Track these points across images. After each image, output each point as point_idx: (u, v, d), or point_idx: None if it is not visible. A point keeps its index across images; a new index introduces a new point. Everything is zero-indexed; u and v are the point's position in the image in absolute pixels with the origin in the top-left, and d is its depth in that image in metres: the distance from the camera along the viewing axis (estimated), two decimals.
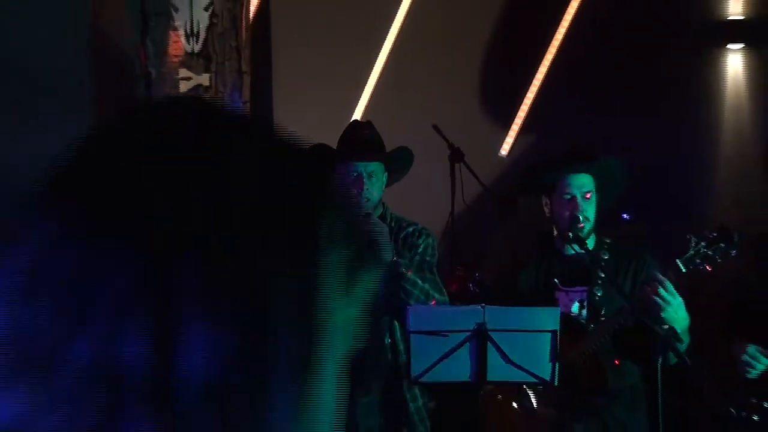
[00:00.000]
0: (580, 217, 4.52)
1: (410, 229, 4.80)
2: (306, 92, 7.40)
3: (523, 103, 7.16)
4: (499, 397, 4.57)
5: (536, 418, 4.50)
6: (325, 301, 0.90)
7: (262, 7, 7.58)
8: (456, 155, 5.98)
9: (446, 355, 4.13)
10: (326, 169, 1.01)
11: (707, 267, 4.24)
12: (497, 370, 4.13)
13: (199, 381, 0.85)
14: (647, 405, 4.51)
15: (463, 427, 5.13)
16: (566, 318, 4.34)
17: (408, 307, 4.37)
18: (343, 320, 0.91)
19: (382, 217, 4.70)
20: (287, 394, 0.88)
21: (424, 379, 4.20)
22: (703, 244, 4.24)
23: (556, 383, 4.17)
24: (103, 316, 0.85)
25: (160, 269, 0.85)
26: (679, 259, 4.27)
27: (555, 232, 4.65)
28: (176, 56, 7.40)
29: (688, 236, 4.29)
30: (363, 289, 0.93)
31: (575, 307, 4.51)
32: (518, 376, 4.16)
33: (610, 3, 6.92)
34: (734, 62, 6.92)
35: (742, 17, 6.88)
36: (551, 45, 7.10)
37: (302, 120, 7.26)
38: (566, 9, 7.07)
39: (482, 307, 4.17)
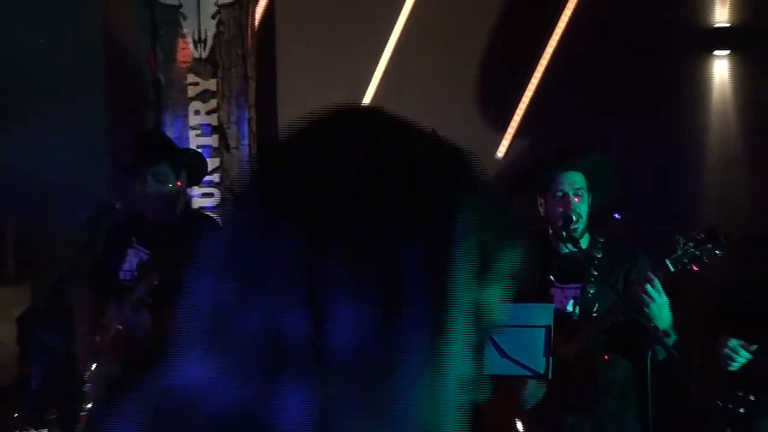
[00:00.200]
0: (573, 216, 4.54)
1: None
2: (309, 97, 7.41)
3: (518, 107, 7.18)
4: (497, 392, 4.58)
5: (530, 413, 4.51)
6: (458, 283, 1.00)
7: (267, 16, 7.59)
8: None
9: None
10: (469, 160, 1.10)
11: (694, 267, 4.26)
12: (493, 365, 4.14)
13: (345, 350, 0.97)
14: (637, 399, 4.52)
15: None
16: (560, 314, 4.36)
17: None
18: (474, 301, 0.99)
19: None
20: (416, 367, 0.99)
21: None
22: (691, 244, 4.26)
23: (549, 377, 4.18)
24: (271, 293, 1.00)
25: (314, 257, 0.99)
26: (667, 258, 4.29)
27: (550, 231, 4.67)
28: (184, 62, 7.42)
29: (676, 237, 4.30)
30: (499, 272, 1.02)
31: (570, 304, 4.53)
32: (514, 370, 4.17)
33: (602, 13, 6.93)
34: (720, 68, 6.93)
35: (728, 24, 6.90)
36: (545, 51, 7.11)
37: None
38: (560, 17, 7.09)
39: None
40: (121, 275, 4.97)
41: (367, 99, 7.37)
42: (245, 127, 7.37)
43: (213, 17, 7.40)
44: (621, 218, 4.57)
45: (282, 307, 0.99)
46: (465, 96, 7.21)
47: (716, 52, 6.92)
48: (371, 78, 7.38)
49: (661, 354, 4.35)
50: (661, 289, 4.26)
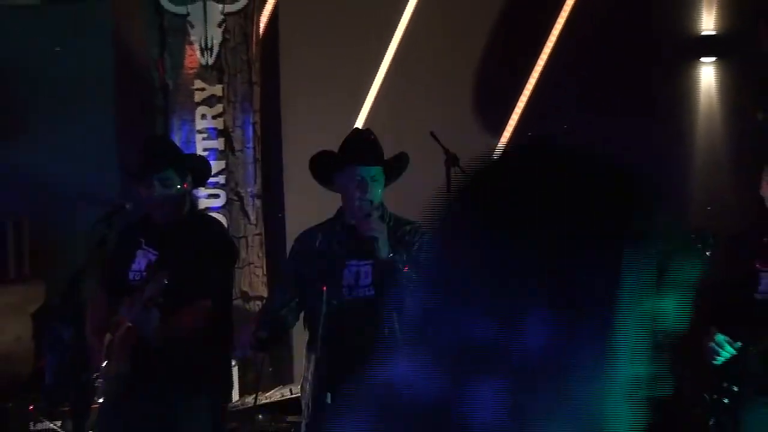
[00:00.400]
0: None
1: (407, 227, 4.80)
2: (311, 102, 7.41)
3: (514, 112, 7.18)
4: None
5: None
6: (636, 292, 1.08)
7: (271, 24, 7.59)
8: (451, 160, 5.96)
9: None
10: (644, 180, 1.20)
11: None
12: None
13: (532, 353, 1.05)
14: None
15: None
16: None
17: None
18: (651, 309, 1.05)
19: (381, 217, 4.72)
20: (596, 369, 1.07)
21: None
22: None
23: None
24: (468, 301, 1.08)
25: (508, 269, 1.06)
26: None
27: None
28: (192, 69, 7.41)
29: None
30: (674, 282, 1.13)
31: None
32: None
33: (595, 21, 6.93)
34: (707, 74, 6.93)
35: (713, 33, 6.90)
36: (539, 59, 7.12)
37: (308, 127, 7.27)
38: (554, 26, 7.09)
39: None
40: (131, 275, 4.97)
41: (368, 103, 7.37)
42: (250, 130, 7.36)
43: (219, 25, 7.39)
44: None
45: (477, 313, 1.07)
46: (463, 99, 7.21)
47: (703, 59, 6.92)
48: (372, 83, 7.38)
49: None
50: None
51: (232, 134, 7.36)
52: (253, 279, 7.32)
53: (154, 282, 4.71)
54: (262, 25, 7.50)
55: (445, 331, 1.10)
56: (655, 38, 6.85)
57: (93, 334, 4.95)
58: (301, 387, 4.92)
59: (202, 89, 7.40)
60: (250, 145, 7.35)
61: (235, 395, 6.76)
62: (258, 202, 7.37)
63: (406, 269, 4.56)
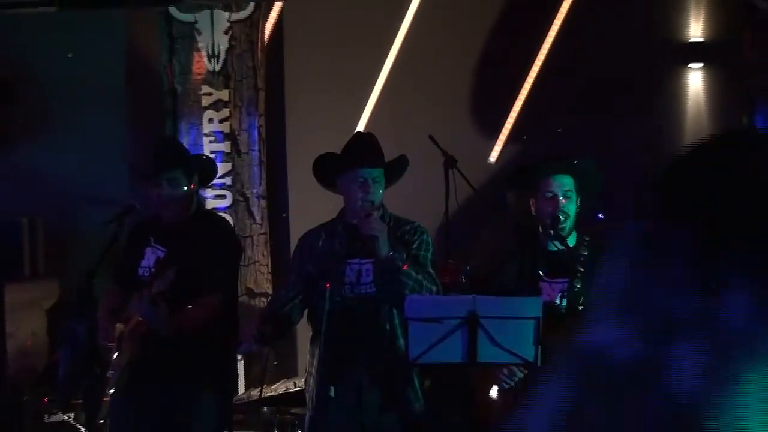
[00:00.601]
0: (561, 216, 4.53)
1: (407, 227, 4.80)
2: (314, 106, 7.40)
3: (509, 116, 7.16)
4: (487, 377, 4.56)
5: (518, 396, 4.49)
6: None
7: (276, 31, 7.58)
8: (449, 162, 5.96)
9: (441, 339, 4.12)
10: None
11: None
12: (487, 353, 4.12)
13: (731, 327, 1.11)
14: None
15: (454, 404, 5.12)
16: (548, 307, 4.34)
17: (406, 296, 4.36)
18: None
19: (382, 217, 4.71)
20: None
21: (421, 360, 4.19)
22: None
23: (539, 364, 4.17)
24: (670, 276, 1.15)
25: (710, 249, 1.13)
26: None
27: (540, 229, 4.65)
28: (199, 74, 7.41)
29: None
30: None
31: (558, 297, 4.51)
32: (505, 357, 4.16)
33: (587, 29, 6.93)
34: (695, 80, 6.92)
35: (702, 39, 6.89)
36: (534, 65, 7.11)
37: (311, 130, 7.26)
38: (547, 33, 7.08)
39: (473, 297, 4.17)
40: (140, 271, 4.97)
41: (369, 108, 7.36)
42: (255, 133, 7.36)
43: (226, 33, 7.39)
44: (604, 219, 4.55)
45: (678, 288, 1.13)
46: (461, 105, 7.20)
47: (691, 65, 6.91)
48: (373, 88, 7.37)
49: None
50: None
51: (238, 137, 7.35)
52: (258, 276, 7.31)
53: (162, 278, 4.71)
54: (267, 33, 7.49)
55: (648, 302, 1.17)
56: (645, 45, 6.84)
57: (105, 328, 4.94)
58: (305, 380, 4.91)
59: (210, 94, 7.40)
60: (256, 147, 7.34)
61: (241, 388, 6.75)
62: (263, 203, 7.37)
63: (405, 267, 4.56)
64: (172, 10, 7.38)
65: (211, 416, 4.92)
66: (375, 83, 7.37)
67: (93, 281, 4.65)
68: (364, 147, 4.77)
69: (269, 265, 7.34)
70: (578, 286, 4.47)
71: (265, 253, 7.34)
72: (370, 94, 7.37)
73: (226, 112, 7.37)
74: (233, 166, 7.35)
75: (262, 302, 7.14)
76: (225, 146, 7.35)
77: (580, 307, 4.43)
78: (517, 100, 7.14)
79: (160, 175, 4.93)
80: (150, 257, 4.98)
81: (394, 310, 4.61)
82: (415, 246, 4.73)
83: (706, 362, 1.12)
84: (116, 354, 4.92)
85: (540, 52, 7.09)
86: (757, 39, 6.51)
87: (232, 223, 7.02)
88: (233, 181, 7.34)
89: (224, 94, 7.39)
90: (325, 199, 4.95)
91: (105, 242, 4.76)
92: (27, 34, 7.60)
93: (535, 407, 1.20)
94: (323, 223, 4.91)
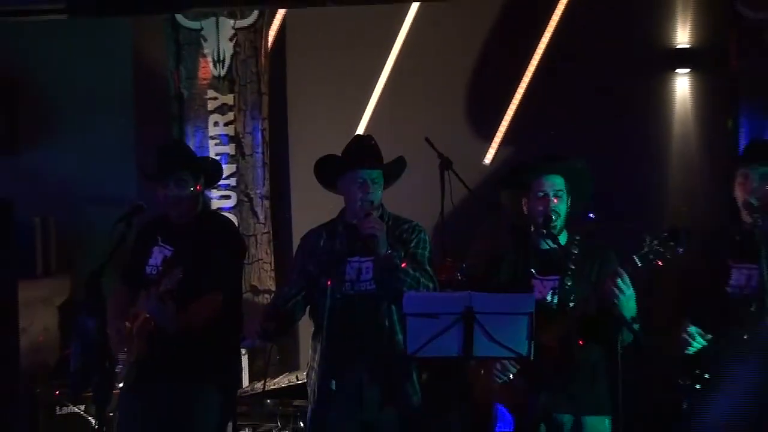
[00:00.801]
0: (553, 215, 4.52)
1: (405, 226, 4.80)
2: (316, 109, 7.40)
3: (503, 120, 7.16)
4: (482, 371, 4.55)
5: (512, 389, 4.49)
6: None
7: (279, 38, 7.58)
8: (445, 164, 5.96)
9: (438, 334, 4.11)
10: None
11: (659, 262, 4.23)
12: (482, 347, 4.11)
13: None
14: (608, 378, 4.50)
15: (451, 397, 5.11)
16: (540, 303, 4.33)
17: (404, 293, 4.35)
18: None
19: (381, 217, 4.70)
20: None
21: (418, 355, 4.18)
22: (656, 242, 4.22)
23: (531, 358, 4.16)
24: None
25: None
26: (635, 254, 4.26)
27: (532, 228, 4.64)
28: (205, 79, 7.41)
29: (643, 235, 4.28)
30: None
31: (549, 294, 4.50)
32: (500, 352, 4.14)
33: (578, 36, 6.93)
34: (682, 85, 6.92)
35: (689, 46, 6.88)
36: (527, 70, 7.11)
37: (312, 133, 7.26)
38: (540, 39, 7.08)
39: (469, 293, 4.16)
40: (148, 270, 4.97)
41: (368, 111, 7.35)
42: (259, 136, 7.36)
43: (231, 39, 7.39)
44: (594, 218, 4.55)
45: None
46: (457, 109, 7.19)
47: (678, 71, 6.90)
48: (372, 93, 7.36)
49: (629, 339, 4.35)
50: (629, 282, 4.25)
51: (242, 140, 7.35)
52: (261, 274, 7.31)
53: (169, 276, 4.70)
54: (270, 39, 7.49)
55: None
56: (635, 51, 6.83)
57: (114, 325, 4.93)
58: (307, 374, 4.90)
59: (215, 98, 7.41)
60: (259, 150, 7.34)
61: (245, 381, 6.75)
62: (266, 203, 7.37)
63: (404, 265, 4.55)
64: (179, 17, 7.38)
65: (216, 408, 4.91)
66: (374, 88, 7.36)
67: (101, 279, 4.64)
68: (364, 149, 4.77)
69: (272, 263, 7.34)
70: (569, 283, 4.46)
71: (269, 251, 7.34)
72: (369, 99, 7.36)
73: (230, 115, 7.37)
74: (238, 167, 7.35)
75: (265, 299, 7.15)
76: (230, 148, 7.35)
77: (571, 304, 4.42)
78: (511, 104, 7.13)
79: (168, 177, 4.93)
80: (157, 256, 4.97)
81: (393, 307, 4.61)
82: (413, 244, 4.73)
83: None
84: (125, 350, 4.92)
85: (533, 58, 7.09)
86: (742, 45, 6.50)
87: (236, 222, 7.03)
88: (238, 182, 7.34)
89: (229, 99, 7.39)
90: (326, 200, 4.95)
91: (113, 241, 4.75)
92: (41, 41, 7.59)
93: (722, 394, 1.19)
94: (324, 223, 4.90)
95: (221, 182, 6.65)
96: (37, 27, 7.46)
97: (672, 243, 4.19)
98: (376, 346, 4.65)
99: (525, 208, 4.63)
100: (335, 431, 4.66)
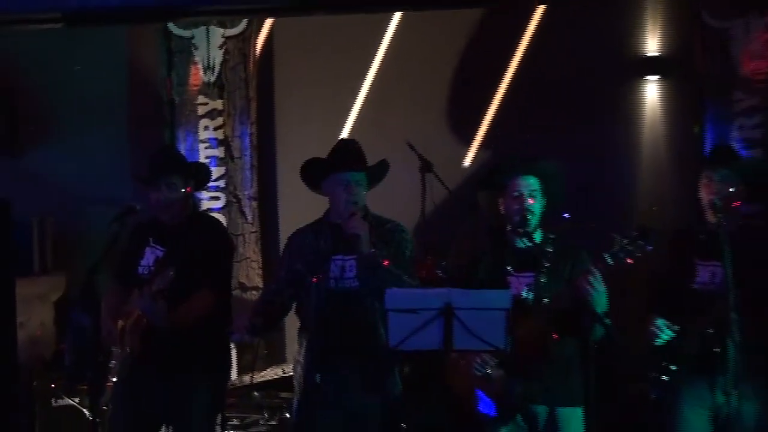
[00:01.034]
0: (527, 215, 4.52)
1: (388, 226, 4.80)
2: (302, 114, 7.39)
3: (482, 124, 7.17)
4: (461, 362, 4.55)
5: (489, 381, 4.49)
6: None
7: (267, 46, 7.57)
8: (426, 166, 5.97)
9: (418, 329, 4.10)
10: None
11: (628, 260, 4.23)
12: (461, 341, 4.10)
13: None
14: (581, 370, 4.51)
15: (431, 388, 5.11)
16: (517, 299, 4.33)
17: (386, 289, 4.34)
18: None
19: (364, 217, 4.70)
20: None
21: (400, 348, 4.18)
22: (625, 240, 4.22)
23: (508, 351, 4.16)
24: None
25: None
26: (606, 253, 4.27)
27: (508, 227, 4.64)
28: (195, 85, 7.40)
29: (613, 234, 4.28)
30: None
31: (525, 291, 4.50)
32: (478, 345, 4.14)
33: (553, 44, 6.94)
34: (651, 91, 6.94)
35: (657, 54, 6.91)
36: (504, 77, 7.11)
37: (299, 137, 7.25)
38: (517, 47, 7.09)
39: (448, 290, 4.16)
40: (140, 269, 4.95)
41: (352, 116, 7.35)
42: (247, 140, 7.35)
43: (220, 47, 7.38)
44: (568, 218, 4.55)
45: None
46: (437, 114, 7.19)
47: (647, 78, 6.93)
48: (356, 98, 7.36)
49: (600, 333, 4.36)
50: (600, 279, 4.26)
51: (231, 143, 7.35)
52: (249, 272, 7.30)
53: (161, 275, 4.69)
54: (258, 47, 7.48)
55: None
56: (607, 59, 6.85)
57: (108, 321, 4.92)
58: (293, 368, 4.90)
59: (205, 104, 7.40)
60: (248, 153, 7.34)
61: (234, 374, 6.73)
62: (254, 204, 7.36)
63: (386, 263, 4.55)
64: (171, 26, 7.37)
65: (206, 400, 4.90)
66: (358, 93, 7.36)
67: (95, 277, 4.63)
68: (348, 152, 4.77)
69: (260, 262, 7.33)
70: (544, 280, 4.46)
71: (256, 250, 7.33)
72: (353, 104, 7.36)
73: (220, 120, 7.36)
74: (227, 170, 7.34)
75: (253, 296, 7.13)
76: (219, 152, 7.34)
77: (545, 300, 4.42)
78: (489, 109, 7.14)
79: (159, 180, 4.92)
80: (149, 257, 4.96)
81: (376, 302, 4.60)
82: (394, 243, 4.73)
83: None
84: (118, 346, 4.90)
85: (510, 65, 7.11)
86: (708, 53, 6.53)
87: (225, 222, 7.02)
88: (227, 183, 7.34)
89: (218, 104, 7.38)
90: (312, 201, 4.94)
91: (107, 241, 4.74)
92: (39, 48, 7.57)
93: None
94: (310, 223, 4.90)
95: (211, 184, 6.65)
96: (35, 35, 7.43)
97: (641, 242, 4.20)
98: (360, 341, 4.65)
99: (502, 208, 4.63)
100: (320, 422, 4.66)
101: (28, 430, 6.44)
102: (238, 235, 7.23)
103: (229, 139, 7.34)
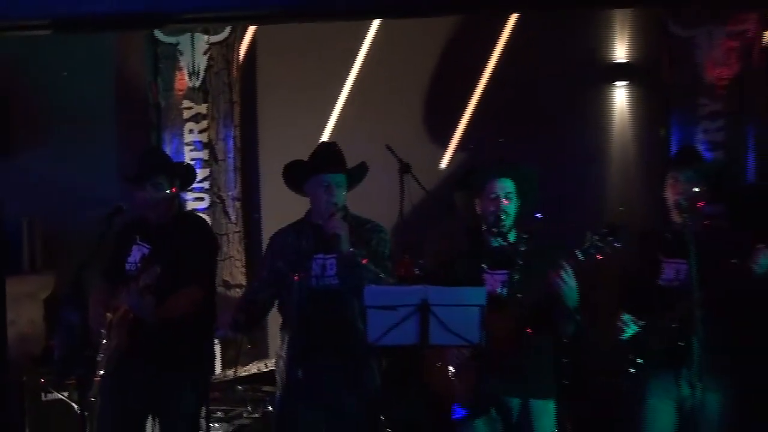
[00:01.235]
0: (502, 216, 4.54)
1: (367, 226, 4.80)
2: (284, 118, 7.37)
3: (458, 127, 7.17)
4: (437, 365, 4.55)
5: (465, 373, 4.49)
6: None
7: (250, 52, 7.55)
8: (404, 168, 5.95)
9: (396, 324, 4.10)
10: None
11: (599, 256, 4.25)
12: (437, 336, 4.10)
13: None
14: (553, 362, 4.53)
15: (410, 383, 5.11)
16: (491, 296, 4.34)
17: (365, 287, 4.34)
18: None
19: (344, 217, 4.69)
20: None
21: (379, 343, 4.18)
22: (596, 237, 4.25)
23: (483, 346, 4.17)
24: None
25: None
26: (577, 249, 4.29)
27: (484, 227, 4.65)
28: (181, 90, 7.38)
29: (585, 232, 4.30)
30: None
31: (500, 287, 4.51)
32: (454, 340, 4.15)
33: (525, 51, 6.95)
34: (620, 96, 6.96)
35: (625, 60, 6.93)
36: (480, 82, 7.12)
37: (281, 139, 7.23)
38: (490, 58, 7.10)
39: (425, 287, 4.16)
40: (127, 267, 4.94)
41: (333, 119, 7.34)
42: (231, 143, 7.33)
43: (205, 53, 7.37)
44: (541, 218, 4.56)
45: None
46: (415, 117, 7.19)
47: (616, 83, 6.95)
48: (337, 102, 7.35)
49: (572, 328, 4.37)
50: (572, 274, 4.27)
51: (215, 146, 7.33)
52: (233, 270, 7.28)
53: (147, 272, 4.67)
54: (241, 53, 7.46)
55: None
56: (577, 65, 6.87)
57: (95, 317, 4.90)
58: (276, 363, 4.89)
59: (190, 108, 7.38)
60: (231, 155, 7.32)
61: (218, 369, 6.71)
62: (238, 204, 7.34)
63: (365, 262, 4.55)
64: (157, 33, 7.35)
65: (190, 394, 4.89)
66: (338, 97, 7.35)
67: (83, 275, 4.61)
68: (329, 155, 4.77)
69: (243, 260, 7.31)
70: (517, 277, 4.47)
71: (240, 249, 7.31)
72: (334, 107, 7.35)
73: (204, 123, 7.34)
74: (211, 171, 7.32)
75: (237, 293, 7.12)
76: (204, 154, 7.32)
77: (519, 296, 4.43)
78: (465, 113, 7.15)
79: (145, 181, 4.90)
80: (136, 254, 4.94)
81: (355, 300, 4.60)
82: (373, 243, 4.73)
83: None
84: (106, 340, 4.88)
85: (485, 70, 7.12)
86: (674, 60, 6.56)
87: (209, 222, 6.99)
88: (211, 185, 7.32)
89: (203, 108, 7.36)
90: (293, 202, 4.93)
91: (95, 240, 4.72)
92: (26, 54, 7.52)
93: None
94: (292, 223, 4.89)
95: (196, 185, 6.63)
96: (25, 40, 7.38)
97: (611, 238, 4.22)
98: (339, 337, 4.65)
99: (478, 209, 4.65)
100: (302, 416, 4.65)
101: (19, 424, 6.41)
102: (222, 234, 7.21)
103: (214, 141, 7.32)
